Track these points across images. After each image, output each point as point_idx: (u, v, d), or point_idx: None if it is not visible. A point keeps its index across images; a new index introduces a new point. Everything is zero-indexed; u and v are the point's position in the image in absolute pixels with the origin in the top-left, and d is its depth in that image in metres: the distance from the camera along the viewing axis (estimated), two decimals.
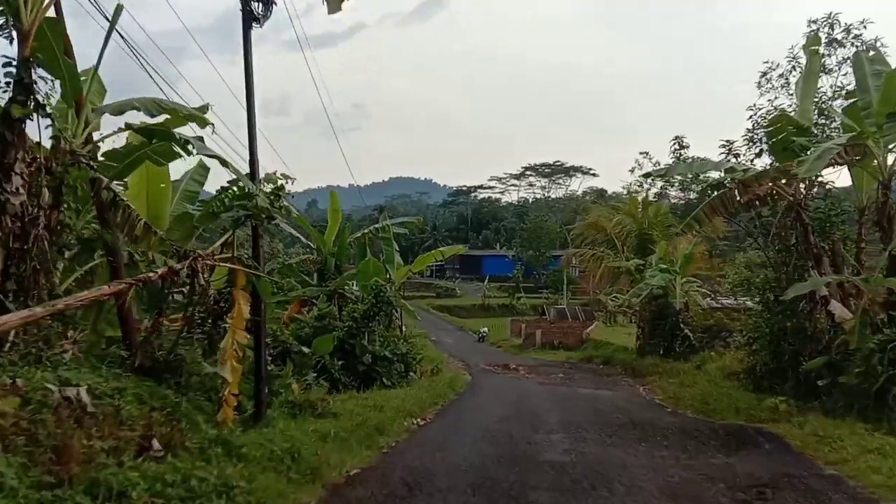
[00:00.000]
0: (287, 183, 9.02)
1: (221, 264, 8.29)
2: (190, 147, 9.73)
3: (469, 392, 18.62)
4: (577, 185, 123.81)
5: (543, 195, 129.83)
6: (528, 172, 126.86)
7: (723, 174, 15.07)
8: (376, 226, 20.87)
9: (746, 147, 17.04)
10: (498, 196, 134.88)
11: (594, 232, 32.47)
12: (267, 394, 9.97)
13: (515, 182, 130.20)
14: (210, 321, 8.88)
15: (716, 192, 14.52)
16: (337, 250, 19.50)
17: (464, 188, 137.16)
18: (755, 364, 16.88)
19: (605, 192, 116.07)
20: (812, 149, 12.56)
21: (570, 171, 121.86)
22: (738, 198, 13.42)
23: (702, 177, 18.16)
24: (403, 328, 55.22)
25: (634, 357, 29.00)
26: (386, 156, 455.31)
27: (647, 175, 17.63)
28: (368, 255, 19.51)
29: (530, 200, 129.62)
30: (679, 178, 19.56)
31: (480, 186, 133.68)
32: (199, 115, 10.67)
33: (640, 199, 32.22)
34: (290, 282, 20.20)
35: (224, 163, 9.25)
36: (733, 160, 16.17)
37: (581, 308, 51.71)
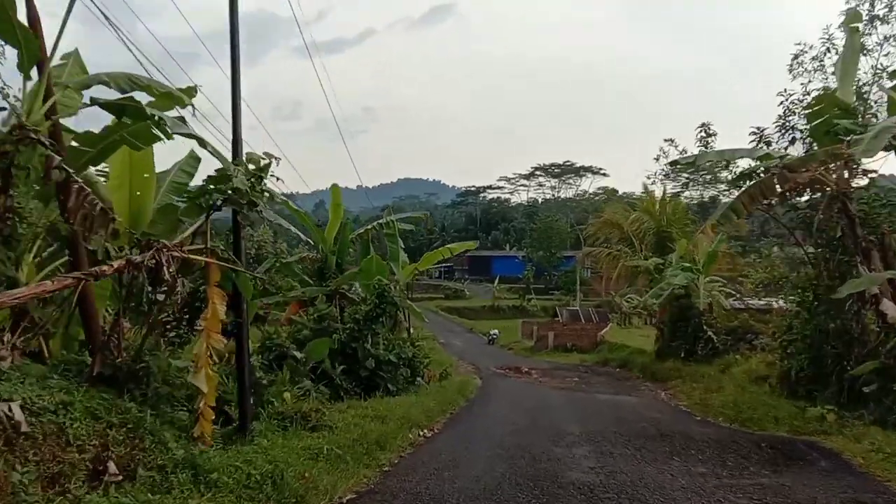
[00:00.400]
0: (272, 163, 7.83)
1: (191, 256, 7.14)
2: (166, 127, 8.61)
3: (480, 398, 17.41)
4: (588, 185, 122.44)
5: (553, 196, 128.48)
6: (537, 172, 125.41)
7: (757, 162, 13.79)
8: (380, 221, 19.61)
9: (779, 134, 15.73)
10: (507, 196, 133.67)
11: (609, 230, 31.17)
12: (253, 404, 8.82)
13: (525, 182, 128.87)
14: (185, 322, 7.71)
15: (750, 182, 13.24)
16: (338, 248, 18.34)
17: (472, 188, 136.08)
18: (789, 368, 15.59)
19: (616, 191, 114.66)
20: (859, 132, 11.33)
21: (580, 171, 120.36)
22: (777, 186, 12.15)
23: (731, 167, 16.72)
24: (412, 330, 54.23)
25: (653, 360, 27.69)
26: (395, 158, 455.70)
27: (673, 163, 16.05)
28: (372, 253, 18.33)
29: (540, 201, 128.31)
30: (704, 168, 17.89)
31: (489, 187, 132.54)
32: (177, 94, 9.55)
33: (657, 195, 30.88)
34: (290, 282, 19.11)
35: (202, 142, 8.13)
36: (765, 148, 14.86)
37: (594, 309, 50.36)
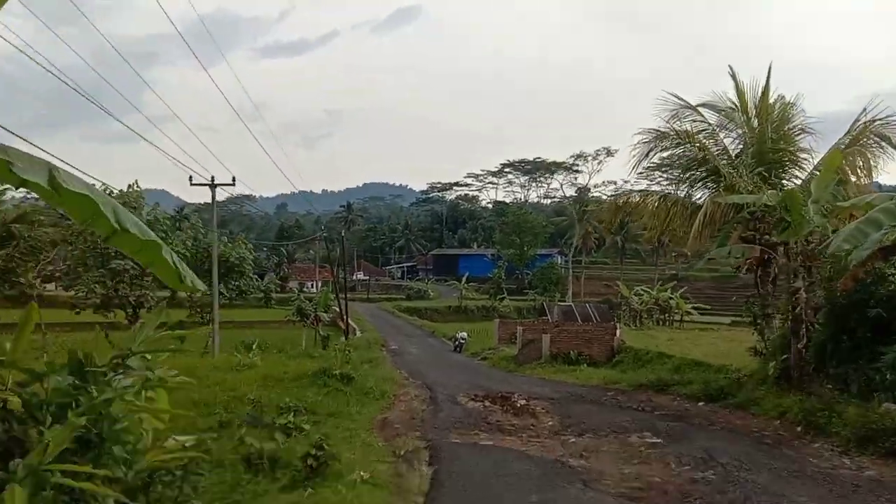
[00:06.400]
0: None
1: None
2: None
3: None
4: (559, 183, 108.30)
5: (523, 195, 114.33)
6: (506, 170, 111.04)
7: None
8: None
9: None
10: (475, 193, 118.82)
11: (676, 144, 16.13)
12: None
13: (494, 180, 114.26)
14: None
15: None
16: None
17: (438, 185, 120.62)
18: None
19: (589, 189, 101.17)
20: None
21: (551, 168, 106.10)
22: None
23: None
24: (356, 331, 38.42)
25: (767, 387, 13.09)
26: (360, 161, 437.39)
27: None
28: None
29: (508, 202, 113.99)
30: None
31: (456, 184, 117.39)
32: None
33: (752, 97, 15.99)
34: None
35: None
36: None
37: (593, 306, 35.49)
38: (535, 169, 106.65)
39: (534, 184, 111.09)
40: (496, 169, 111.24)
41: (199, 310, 31.41)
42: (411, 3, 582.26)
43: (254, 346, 20.02)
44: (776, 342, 14.04)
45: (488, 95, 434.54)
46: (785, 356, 13.17)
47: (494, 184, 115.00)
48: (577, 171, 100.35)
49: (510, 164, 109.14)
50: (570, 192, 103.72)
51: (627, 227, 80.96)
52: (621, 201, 17.62)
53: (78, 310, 29.77)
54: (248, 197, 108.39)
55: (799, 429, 10.28)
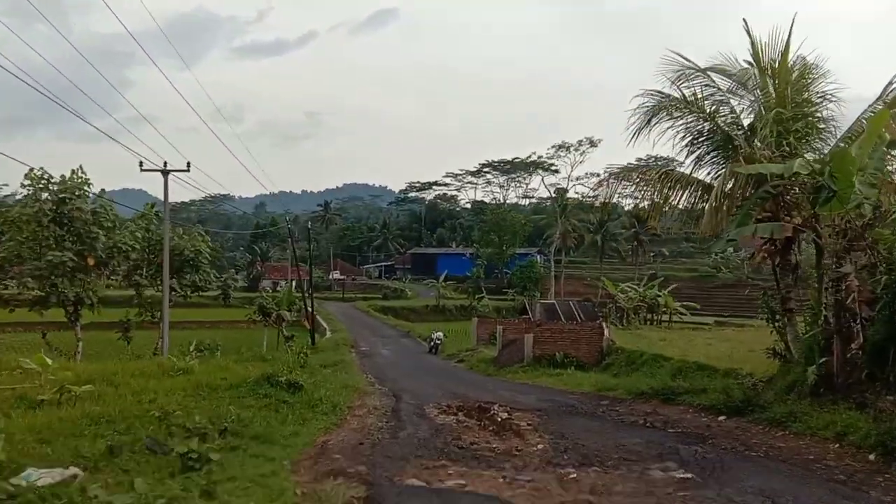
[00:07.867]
0: None
1: None
2: None
3: None
4: (538, 182, 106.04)
5: (502, 195, 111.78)
6: (485, 169, 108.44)
7: None
8: None
9: None
10: (454, 193, 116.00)
11: (681, 112, 13.46)
12: None
13: (472, 180, 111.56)
14: None
15: None
16: None
17: (416, 184, 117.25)
18: None
19: (566, 190, 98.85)
20: None
21: (530, 168, 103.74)
22: None
23: None
24: (326, 331, 35.30)
25: (796, 397, 10.58)
26: (340, 163, 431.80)
27: None
28: None
29: (488, 201, 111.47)
30: None
31: (435, 183, 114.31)
32: None
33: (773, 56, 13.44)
34: None
35: None
36: None
37: (577, 303, 32.84)
38: (514, 169, 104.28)
39: (512, 184, 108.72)
40: (475, 169, 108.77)
41: (149, 308, 28.14)
42: (391, 5, 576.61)
43: (191, 348, 16.95)
44: (809, 342, 11.43)
45: (468, 97, 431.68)
46: (824, 359, 10.57)
47: (473, 184, 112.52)
48: (555, 172, 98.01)
49: (489, 164, 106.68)
50: (550, 191, 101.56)
51: (607, 225, 79.03)
52: (618, 178, 14.89)
53: (11, 307, 26.52)
54: (226, 196, 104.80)
55: (872, 457, 7.60)
